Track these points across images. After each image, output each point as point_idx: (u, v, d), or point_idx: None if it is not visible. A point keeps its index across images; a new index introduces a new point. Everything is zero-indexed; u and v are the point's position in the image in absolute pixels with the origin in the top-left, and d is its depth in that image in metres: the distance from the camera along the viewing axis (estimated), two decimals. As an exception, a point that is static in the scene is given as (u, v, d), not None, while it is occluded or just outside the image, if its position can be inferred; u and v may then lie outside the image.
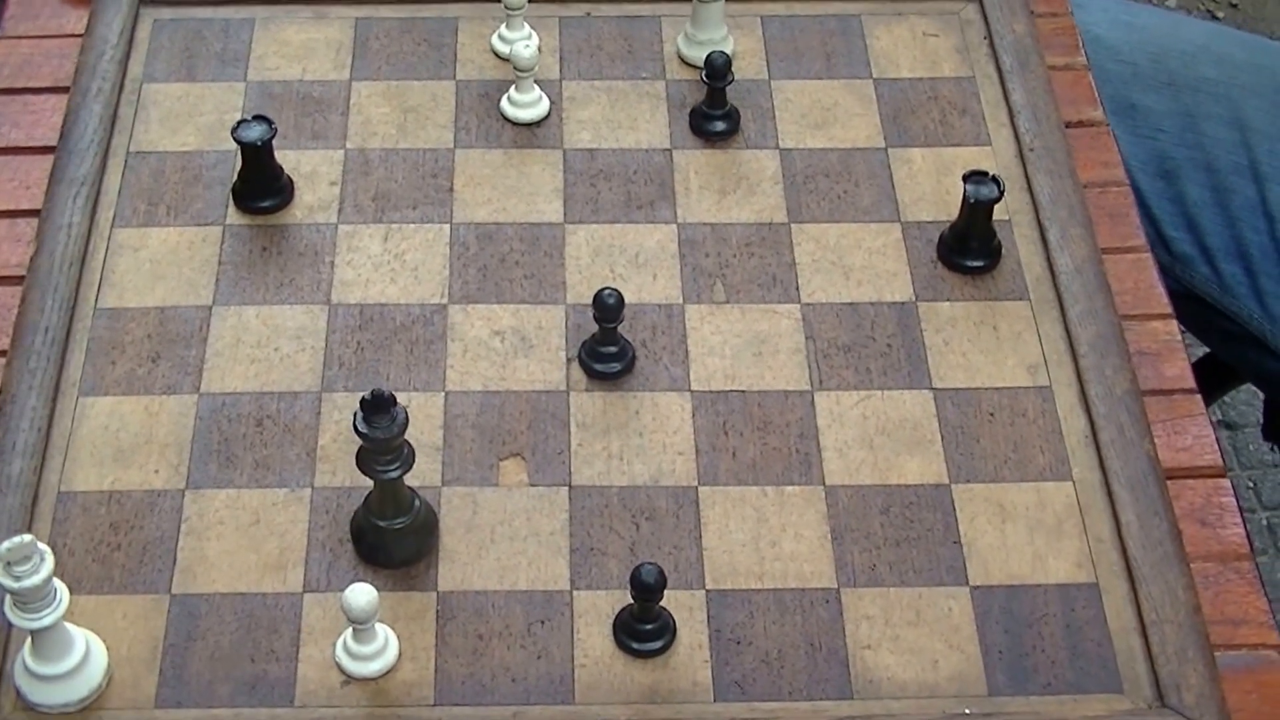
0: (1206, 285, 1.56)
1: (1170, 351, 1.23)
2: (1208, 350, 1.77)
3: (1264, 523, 2.28)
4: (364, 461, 1.06)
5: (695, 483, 1.14)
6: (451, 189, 1.31)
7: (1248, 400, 2.34)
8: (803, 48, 1.43)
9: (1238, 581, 1.11)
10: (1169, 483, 1.15)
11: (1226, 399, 2.31)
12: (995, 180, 1.24)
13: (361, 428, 1.04)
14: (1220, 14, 2.93)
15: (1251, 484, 2.31)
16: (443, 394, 1.18)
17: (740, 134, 1.36)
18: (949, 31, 1.44)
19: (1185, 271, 1.56)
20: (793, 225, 1.29)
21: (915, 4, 1.47)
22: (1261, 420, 1.75)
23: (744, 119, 1.37)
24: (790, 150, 1.35)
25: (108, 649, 1.05)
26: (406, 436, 1.06)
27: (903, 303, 1.24)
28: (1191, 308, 1.60)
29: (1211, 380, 1.84)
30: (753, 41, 1.43)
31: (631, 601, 1.05)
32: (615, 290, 1.16)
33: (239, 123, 1.27)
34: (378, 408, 1.03)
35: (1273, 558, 2.24)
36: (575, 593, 1.09)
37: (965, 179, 1.24)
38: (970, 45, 1.43)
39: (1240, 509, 1.16)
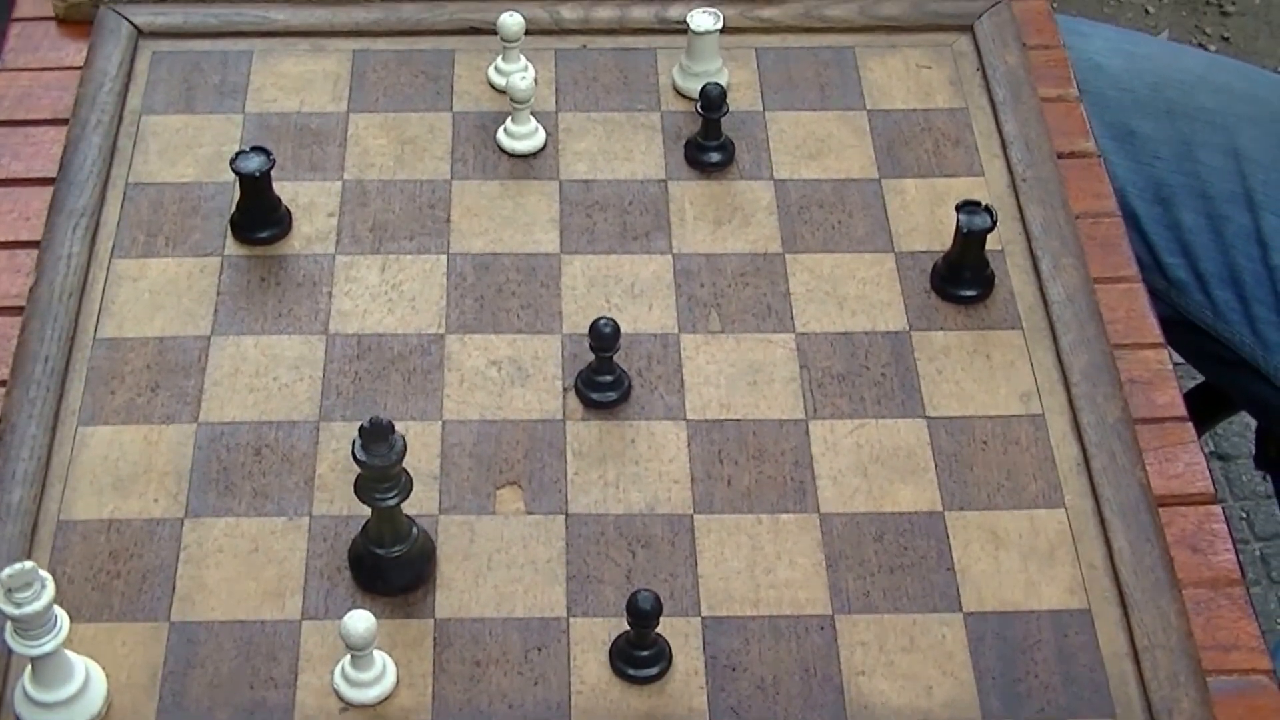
0: (1200, 311, 1.57)
1: (1161, 380, 1.24)
2: (1203, 379, 1.78)
3: (1257, 553, 2.29)
4: (362, 489, 1.07)
5: (691, 511, 1.15)
6: (448, 220, 1.32)
7: (1240, 432, 2.35)
8: (797, 79, 1.44)
9: (1229, 607, 1.12)
10: (1160, 510, 1.16)
11: (1219, 431, 2.32)
12: (988, 210, 1.25)
13: (360, 455, 1.04)
14: (1212, 46, 2.95)
15: (1244, 515, 2.32)
16: (440, 423, 1.19)
17: (735, 165, 1.37)
18: (942, 63, 1.45)
19: (1180, 297, 1.58)
20: (787, 255, 1.30)
21: (908, 36, 1.48)
22: (1253, 450, 1.76)
23: (739, 150, 1.38)
24: (785, 181, 1.36)
25: (107, 676, 1.06)
26: (404, 465, 1.07)
27: (896, 332, 1.25)
28: (1186, 334, 1.61)
29: (1207, 408, 1.85)
30: (747, 73, 1.44)
31: (628, 628, 1.05)
32: (611, 320, 1.17)
33: (237, 154, 1.28)
34: (376, 436, 1.04)
35: (1266, 588, 2.25)
36: (572, 620, 1.09)
37: (958, 209, 1.25)
38: (963, 77, 1.44)
39: (1232, 536, 1.17)
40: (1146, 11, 3.04)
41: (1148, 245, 1.58)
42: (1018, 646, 1.09)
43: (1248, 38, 2.98)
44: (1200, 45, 2.95)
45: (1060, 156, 1.38)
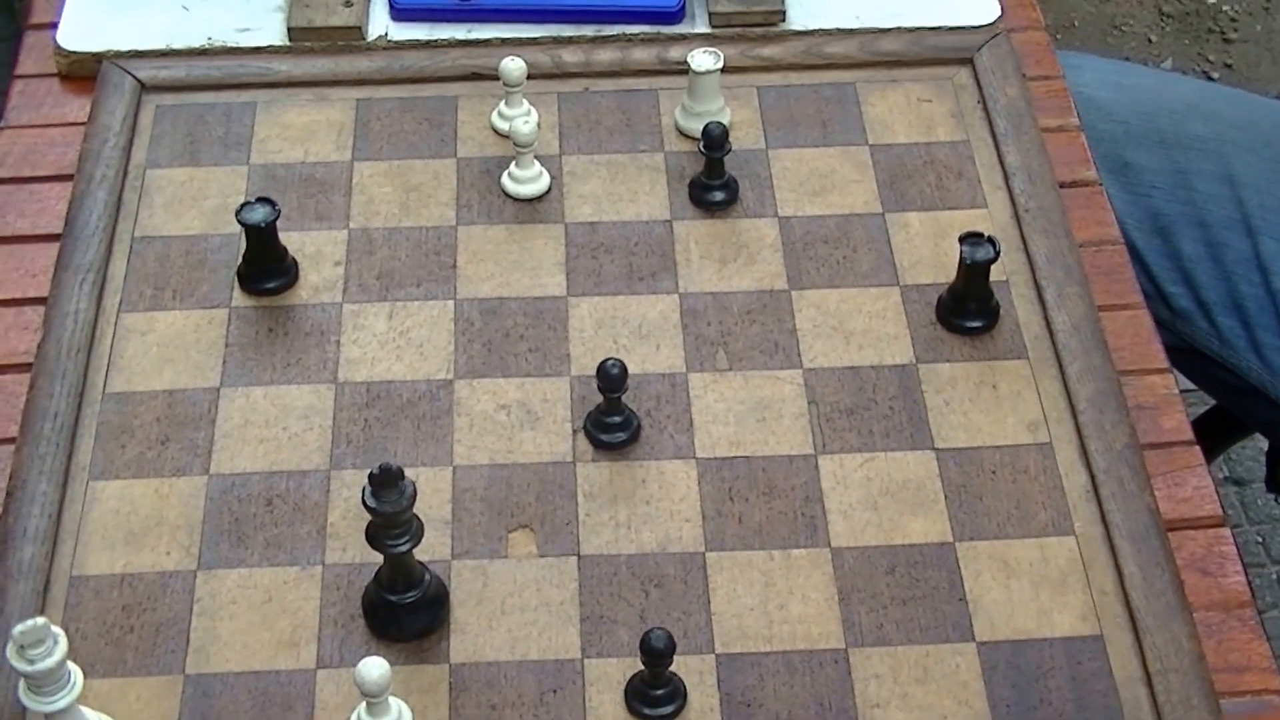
0: (1205, 339, 1.58)
1: (1168, 405, 1.25)
2: (1215, 403, 1.78)
3: (1274, 576, 2.28)
4: (374, 536, 1.07)
5: (703, 549, 1.15)
6: (455, 265, 1.33)
7: (1254, 456, 2.35)
8: (799, 117, 1.45)
9: (1240, 629, 1.12)
10: (1170, 534, 1.16)
11: (1233, 455, 2.32)
12: (991, 241, 1.25)
13: (370, 502, 1.05)
14: (1215, 74, 2.96)
15: (1260, 539, 2.32)
16: (450, 468, 1.20)
17: (739, 203, 1.37)
18: (943, 97, 1.46)
19: (1184, 326, 1.58)
20: (793, 292, 1.31)
21: (909, 70, 1.49)
22: (1266, 473, 1.76)
23: (742, 188, 1.38)
24: (789, 218, 1.36)
25: (124, 729, 1.06)
26: (415, 511, 1.07)
27: (903, 365, 1.26)
28: (1193, 362, 1.61)
29: (1220, 432, 1.85)
30: (749, 112, 1.45)
31: (642, 668, 1.06)
32: (619, 361, 1.17)
33: (243, 205, 1.29)
34: (386, 482, 1.04)
35: (1284, 610, 2.25)
36: (586, 661, 1.09)
37: (962, 240, 1.26)
38: (964, 110, 1.45)
39: (1242, 559, 1.17)
40: (1149, 40, 3.05)
41: (1149, 276, 1.58)
42: (1031, 675, 1.09)
43: (1250, 64, 2.99)
44: (1204, 72, 2.96)
45: (1062, 186, 1.39)
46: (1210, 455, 1.94)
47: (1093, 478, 1.18)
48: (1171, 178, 1.60)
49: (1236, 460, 2.33)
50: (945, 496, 1.18)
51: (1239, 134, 1.62)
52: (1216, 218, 1.57)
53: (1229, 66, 2.98)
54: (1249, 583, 1.16)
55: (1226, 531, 1.18)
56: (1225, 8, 3.08)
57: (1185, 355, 1.62)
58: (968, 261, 1.25)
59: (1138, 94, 1.67)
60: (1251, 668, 1.10)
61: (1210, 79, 2.94)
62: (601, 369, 1.17)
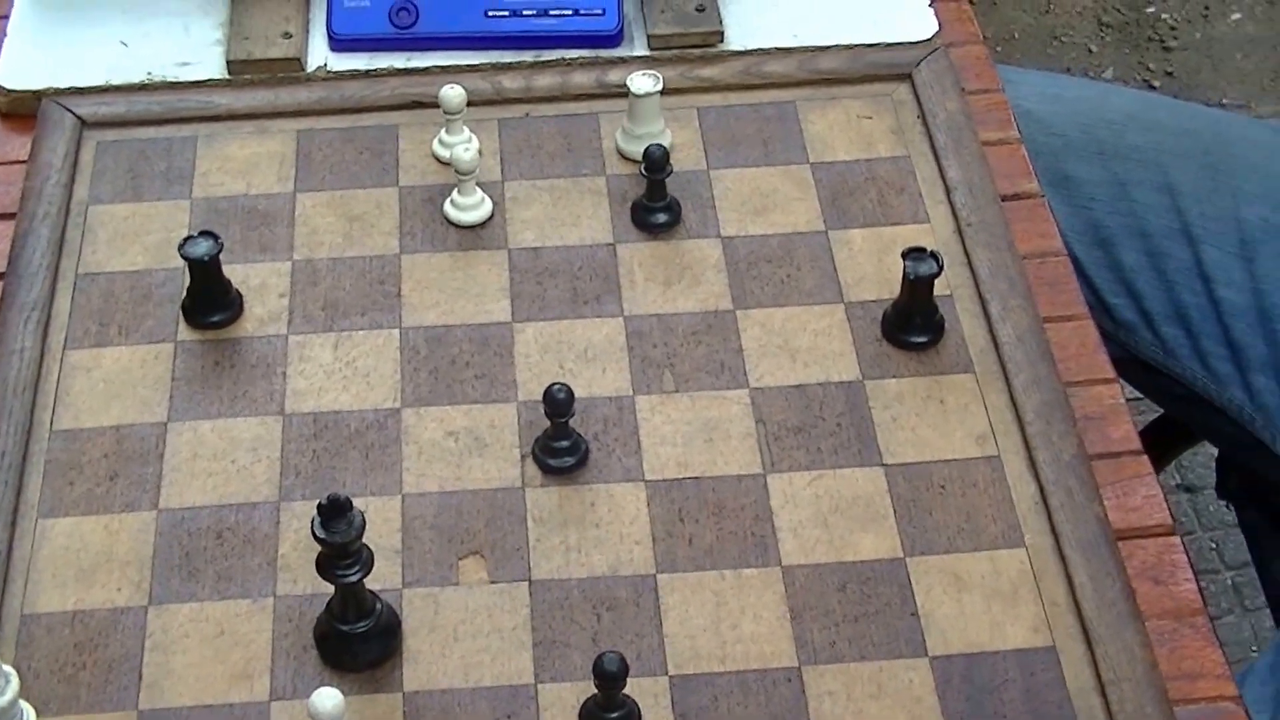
0: (1150, 350, 1.58)
1: (1115, 415, 1.25)
2: (1163, 411, 1.79)
3: (1228, 582, 2.30)
4: (324, 567, 1.07)
5: (654, 571, 1.15)
6: (399, 294, 1.33)
7: (1205, 463, 2.36)
8: (740, 136, 1.45)
9: (1193, 636, 1.12)
10: (1120, 543, 1.16)
11: (1184, 463, 2.33)
12: (934, 256, 1.26)
13: (320, 533, 1.05)
14: (1156, 83, 2.98)
15: (1214, 545, 2.33)
16: (400, 497, 1.19)
17: (682, 224, 1.38)
18: (883, 113, 1.47)
19: (1129, 337, 1.59)
20: (738, 311, 1.31)
21: (849, 88, 1.49)
22: (1216, 480, 1.77)
23: (685, 209, 1.38)
24: (732, 238, 1.36)
25: (77, 768, 1.06)
26: (366, 540, 1.07)
27: (850, 382, 1.26)
28: (1139, 373, 1.62)
29: (1169, 440, 1.86)
30: (690, 133, 1.45)
31: (596, 691, 1.06)
32: (565, 385, 1.17)
33: (185, 239, 1.29)
34: (335, 512, 1.04)
35: (1239, 616, 2.26)
36: (540, 686, 1.09)
37: (905, 256, 1.26)
38: (904, 125, 1.45)
39: (1192, 566, 1.17)
40: (1090, 50, 3.07)
41: (1092, 288, 1.59)
42: (985, 688, 1.09)
43: (1190, 71, 3.01)
44: (1145, 81, 2.98)
45: (1004, 199, 1.39)
46: (1160, 463, 1.95)
47: (1041, 489, 1.19)
48: (1111, 189, 1.61)
49: (1188, 467, 2.34)
50: (895, 512, 1.18)
51: (1177, 143, 1.63)
52: (1157, 228, 1.58)
53: (1170, 74, 3.00)
54: (1200, 590, 1.16)
55: (1177, 540, 1.19)
56: (1164, 16, 3.10)
57: (1130, 366, 1.63)
58: (911, 277, 1.25)
59: (1076, 106, 1.68)
60: (1205, 675, 1.11)
61: (1152, 87, 2.96)
62: (548, 394, 1.17)
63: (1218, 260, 1.55)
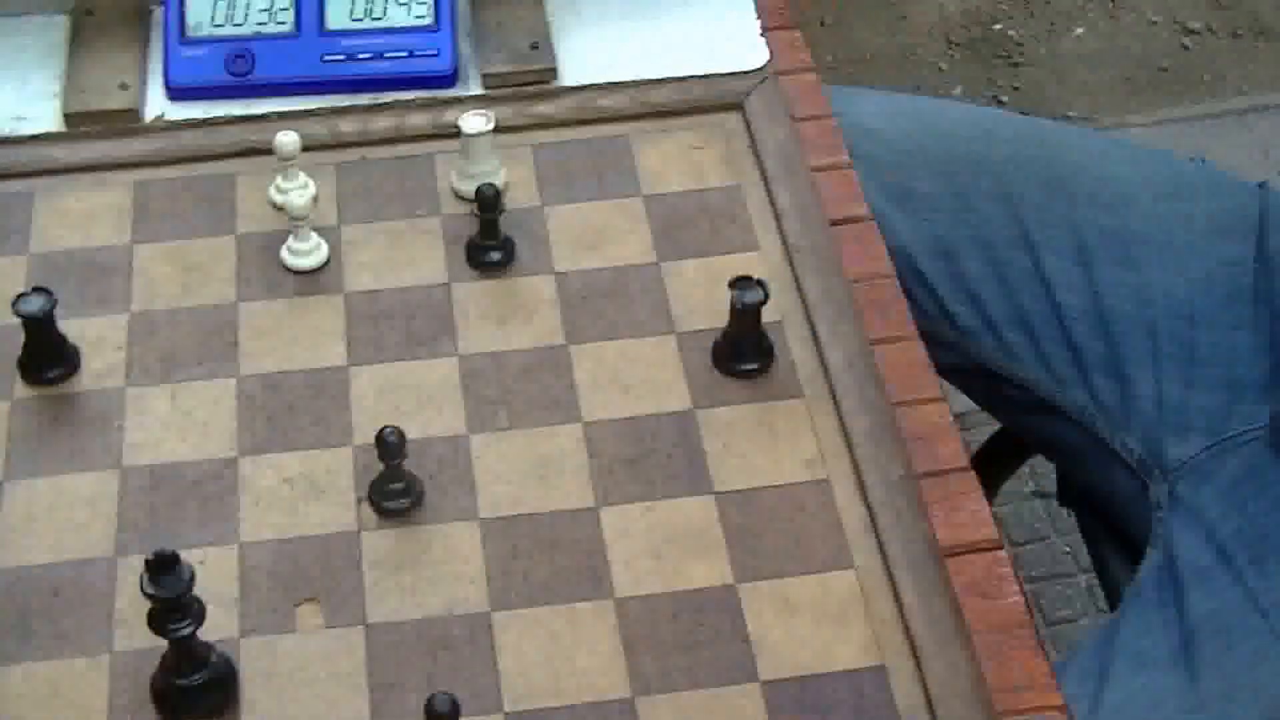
0: (994, 356, 1.62)
1: (942, 434, 1.27)
2: (1000, 427, 1.82)
3: (1083, 585, 2.33)
4: (156, 622, 1.07)
5: (488, 608, 1.16)
6: (236, 342, 1.33)
7: (1058, 470, 2.40)
8: (574, 172, 1.46)
9: (1019, 648, 1.14)
10: (949, 560, 1.19)
11: (1039, 469, 2.37)
12: (760, 284, 1.27)
13: (149, 589, 1.05)
14: (1005, 98, 3.02)
15: (1068, 549, 2.36)
16: (237, 546, 1.20)
17: (516, 261, 1.39)
18: (714, 143, 1.48)
19: (972, 345, 1.62)
20: (571, 346, 1.32)
21: (681, 119, 1.51)
22: (1057, 488, 1.81)
23: (520, 246, 1.40)
24: (565, 273, 1.38)
25: (-87, 834, 1.05)
26: (201, 591, 1.07)
27: (681, 412, 1.28)
28: (980, 381, 1.65)
29: (1005, 455, 1.90)
30: (525, 170, 1.47)
31: (430, 732, 1.07)
32: (395, 428, 1.18)
33: (18, 297, 1.29)
34: (163, 567, 1.05)
35: (1093, 617, 2.29)
36: (377, 729, 1.10)
37: (731, 285, 1.28)
38: (735, 155, 1.47)
39: (1018, 578, 1.19)
40: (940, 69, 3.11)
41: (936, 299, 1.61)
42: (816, 709, 1.11)
43: (1037, 86, 3.06)
44: (993, 97, 3.02)
45: (834, 223, 1.41)
46: (998, 480, 1.98)
47: (870, 510, 1.21)
48: (953, 201, 1.64)
49: (1043, 474, 2.38)
50: (726, 539, 1.20)
51: (1015, 154, 1.66)
52: (998, 237, 1.61)
53: (1017, 89, 3.04)
54: (1027, 602, 1.18)
55: (1004, 554, 1.21)
56: (1011, 33, 3.15)
57: (973, 377, 1.66)
58: (738, 306, 1.27)
59: (917, 122, 1.71)
60: (1032, 686, 1.13)
61: (1000, 103, 3.00)
62: (379, 438, 1.18)
63: (1057, 266, 1.59)
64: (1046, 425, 1.64)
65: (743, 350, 1.30)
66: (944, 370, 1.67)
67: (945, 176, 1.64)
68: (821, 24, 3.12)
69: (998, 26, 3.16)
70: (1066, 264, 1.59)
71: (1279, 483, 1.43)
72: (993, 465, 1.92)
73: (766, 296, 1.27)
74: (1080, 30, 3.16)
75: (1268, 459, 1.45)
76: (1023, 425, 1.72)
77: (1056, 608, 2.33)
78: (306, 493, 1.23)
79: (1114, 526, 1.60)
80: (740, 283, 1.28)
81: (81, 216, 1.44)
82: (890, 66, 3.11)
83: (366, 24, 1.54)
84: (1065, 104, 3.01)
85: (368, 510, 1.22)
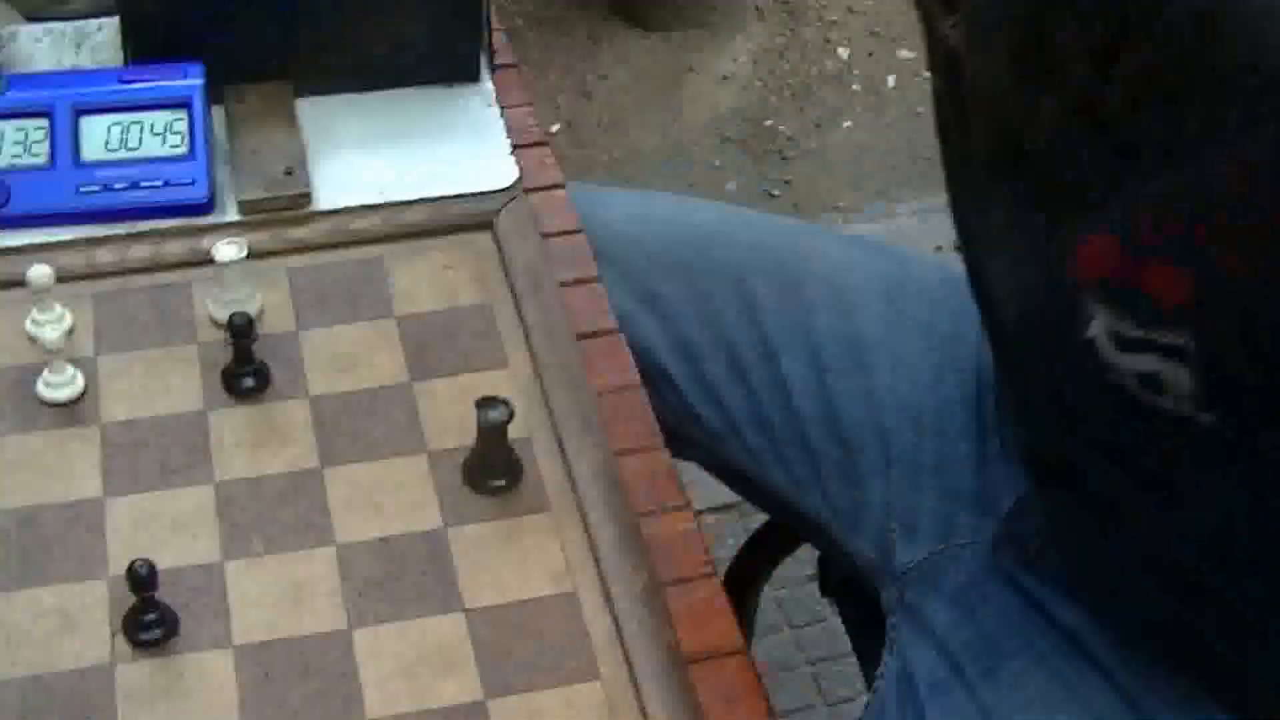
0: (739, 457, 1.65)
1: (687, 541, 1.31)
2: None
3: (809, 675, 2.38)
4: (-95, 766, 1.08)
5: (242, 735, 1.18)
6: (-9, 479, 1.34)
7: (789, 563, 2.45)
8: (329, 295, 1.49)
9: (761, 753, 1.19)
10: (694, 666, 1.22)
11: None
12: (504, 402, 1.31)
13: (-105, 734, 1.06)
14: (777, 191, 3.09)
15: (796, 641, 2.41)
16: (-9, 684, 1.21)
17: (272, 387, 1.41)
18: (466, 262, 1.52)
19: (719, 447, 1.65)
20: (325, 470, 1.35)
21: (434, 239, 1.54)
22: (819, 578, 1.85)
23: (275, 371, 1.42)
24: (320, 396, 1.40)
25: None
26: (-48, 734, 1.09)
27: (432, 530, 1.30)
28: (734, 481, 1.69)
29: (779, 540, 1.94)
30: (281, 294, 1.49)
31: None
32: (146, 561, 1.20)
33: None
34: (-91, 712, 1.06)
35: (821, 708, 2.34)
36: None
37: (477, 405, 1.31)
38: (486, 273, 1.51)
39: (760, 683, 1.23)
40: (715, 164, 3.18)
41: (684, 400, 1.65)
42: (563, 820, 1.14)
43: (807, 180, 3.14)
44: (766, 191, 3.10)
45: (582, 337, 1.45)
46: (775, 562, 2.02)
47: (616, 621, 1.24)
48: (696, 305, 1.67)
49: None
50: (475, 656, 1.22)
51: (755, 258, 1.70)
52: (739, 340, 1.65)
53: (788, 183, 3.12)
54: (771, 708, 1.22)
55: (746, 658, 1.25)
56: (782, 128, 3.23)
57: (726, 475, 1.70)
58: (483, 425, 1.31)
59: (662, 225, 1.74)
60: (776, 789, 1.17)
61: (773, 195, 3.08)
62: (130, 571, 1.20)
63: (794, 370, 1.63)
64: (797, 525, 1.68)
65: (491, 467, 1.33)
66: (706, 466, 1.72)
67: (688, 281, 1.68)
68: (599, 125, 3.17)
69: (769, 122, 3.24)
70: (803, 368, 1.63)
71: (1003, 592, 1.47)
72: (768, 549, 1.96)
73: (511, 414, 1.31)
74: (849, 124, 3.25)
75: (992, 567, 1.49)
76: (783, 519, 1.77)
77: (836, 688, 2.38)
78: (60, 627, 1.24)
79: (873, 616, 1.64)
80: (485, 402, 1.31)
81: None
82: (666, 163, 3.17)
83: (122, 154, 1.56)
84: (835, 195, 3.10)
85: (122, 643, 1.23)
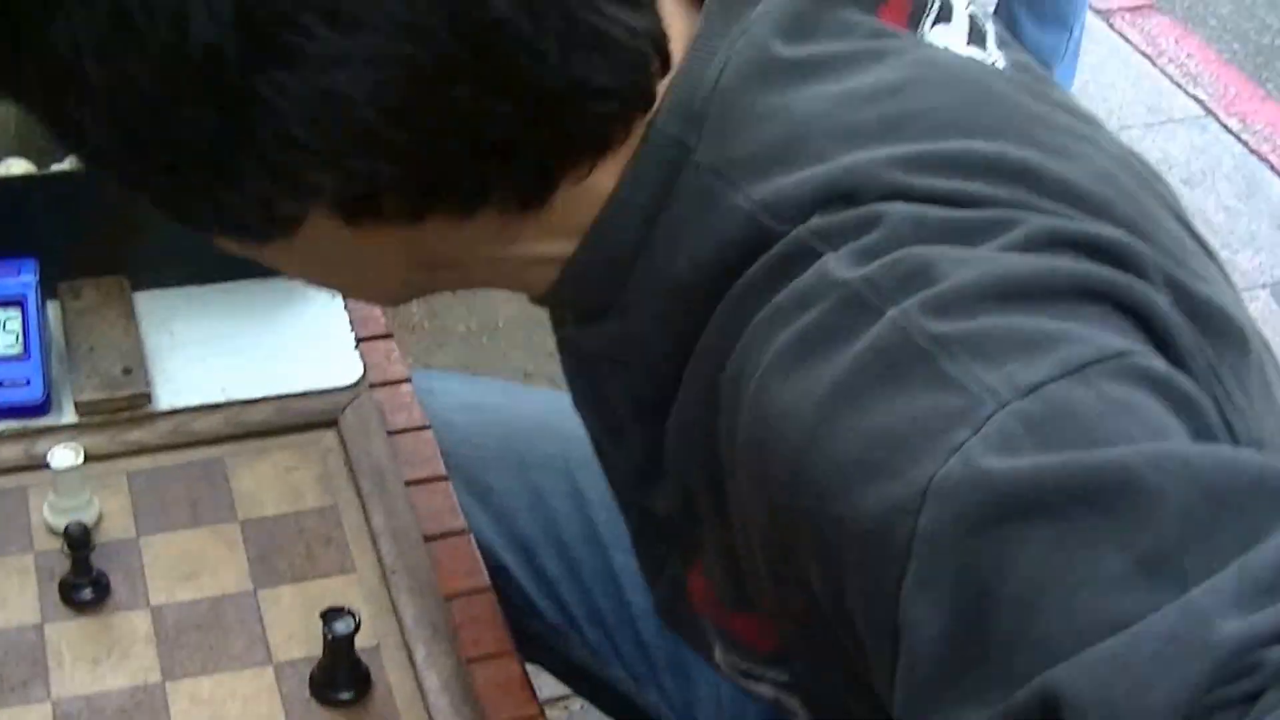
0: (580, 653, 1.63)
1: (540, 752, 1.29)
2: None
3: None
4: None
5: None
6: None
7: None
8: (169, 499, 1.46)
9: None
10: None
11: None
12: (350, 614, 1.28)
13: None
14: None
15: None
16: None
17: (112, 597, 1.38)
18: (310, 462, 1.50)
19: (558, 641, 1.63)
20: (167, 684, 1.31)
21: (277, 439, 1.52)
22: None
23: (114, 581, 1.39)
24: (161, 606, 1.37)
25: None
26: None
27: (278, 747, 1.28)
28: (575, 677, 1.67)
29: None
30: (120, 499, 1.46)
31: None
32: (-20, 789, 1.16)
33: None
34: None
35: None
36: None
37: (322, 617, 1.29)
38: (331, 473, 1.49)
39: None
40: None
41: (523, 594, 1.63)
42: None
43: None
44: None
45: (429, 539, 1.43)
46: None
47: (469, 838, 1.22)
48: (528, 498, 1.65)
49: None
50: None
51: (579, 449, 1.68)
52: (571, 535, 1.63)
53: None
54: None
55: None
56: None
57: (569, 670, 1.68)
58: (329, 637, 1.28)
59: (492, 415, 1.72)
60: None
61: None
62: (-37, 801, 1.16)
63: (624, 564, 1.61)
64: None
65: (337, 680, 1.30)
66: (549, 667, 1.69)
67: (521, 474, 1.66)
68: (454, 293, 3.15)
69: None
70: (632, 562, 1.61)
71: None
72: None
73: (357, 626, 1.28)
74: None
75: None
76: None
77: None
78: None
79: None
80: (330, 614, 1.29)
81: None
82: (521, 333, 3.16)
83: (-45, 354, 1.53)
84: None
85: None
